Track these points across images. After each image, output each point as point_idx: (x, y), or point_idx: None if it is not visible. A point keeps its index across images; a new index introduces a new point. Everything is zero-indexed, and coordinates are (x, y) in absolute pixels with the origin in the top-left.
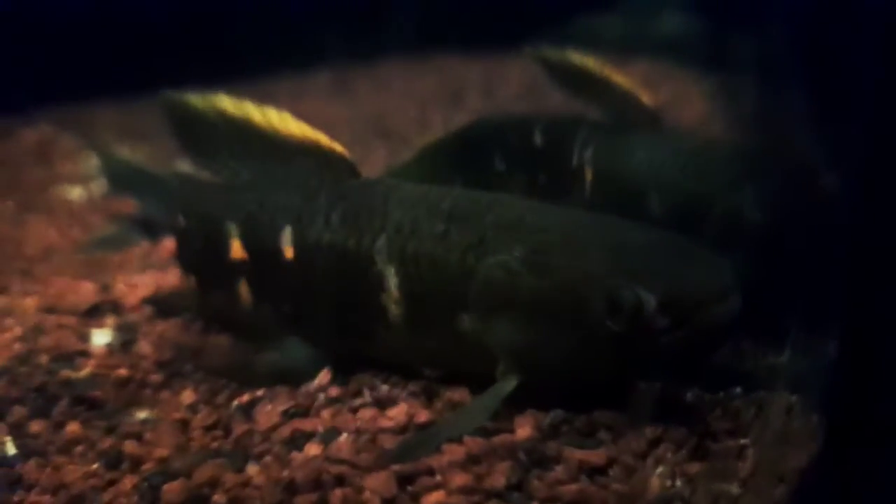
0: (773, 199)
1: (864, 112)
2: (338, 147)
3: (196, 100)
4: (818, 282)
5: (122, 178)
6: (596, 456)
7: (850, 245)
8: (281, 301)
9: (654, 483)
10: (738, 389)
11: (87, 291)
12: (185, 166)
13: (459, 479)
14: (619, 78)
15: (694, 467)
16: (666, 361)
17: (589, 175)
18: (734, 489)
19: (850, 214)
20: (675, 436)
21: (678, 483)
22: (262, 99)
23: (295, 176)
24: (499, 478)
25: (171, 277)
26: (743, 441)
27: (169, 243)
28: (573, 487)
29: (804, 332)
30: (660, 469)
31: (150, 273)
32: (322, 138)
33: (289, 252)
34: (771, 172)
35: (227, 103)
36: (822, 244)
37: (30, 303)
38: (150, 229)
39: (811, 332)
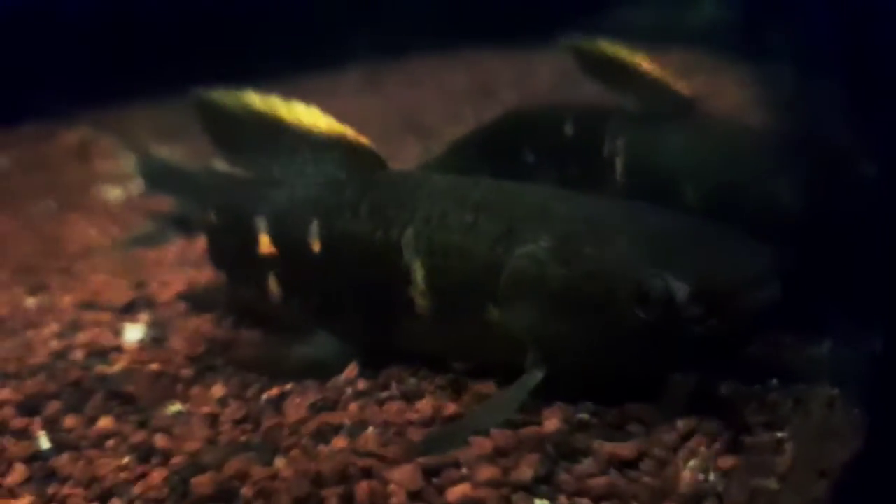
0: (810, 186)
1: None
2: (364, 140)
3: (225, 96)
4: (861, 272)
5: (158, 177)
6: (626, 449)
7: (891, 233)
8: (309, 295)
9: (687, 477)
10: (775, 382)
11: (123, 288)
12: (220, 164)
13: (486, 472)
14: (652, 67)
15: (728, 461)
16: (699, 352)
17: (620, 165)
18: (772, 484)
19: (891, 203)
20: (708, 429)
21: (711, 477)
22: (294, 96)
23: (322, 170)
24: (526, 471)
25: (206, 274)
26: (780, 435)
27: (203, 240)
28: (602, 481)
29: (847, 323)
30: (692, 463)
31: (185, 270)
32: (349, 131)
33: (316, 245)
34: (807, 160)
35: (254, 99)
36: (864, 233)
37: (68, 300)
38: (185, 227)
39: (854, 323)
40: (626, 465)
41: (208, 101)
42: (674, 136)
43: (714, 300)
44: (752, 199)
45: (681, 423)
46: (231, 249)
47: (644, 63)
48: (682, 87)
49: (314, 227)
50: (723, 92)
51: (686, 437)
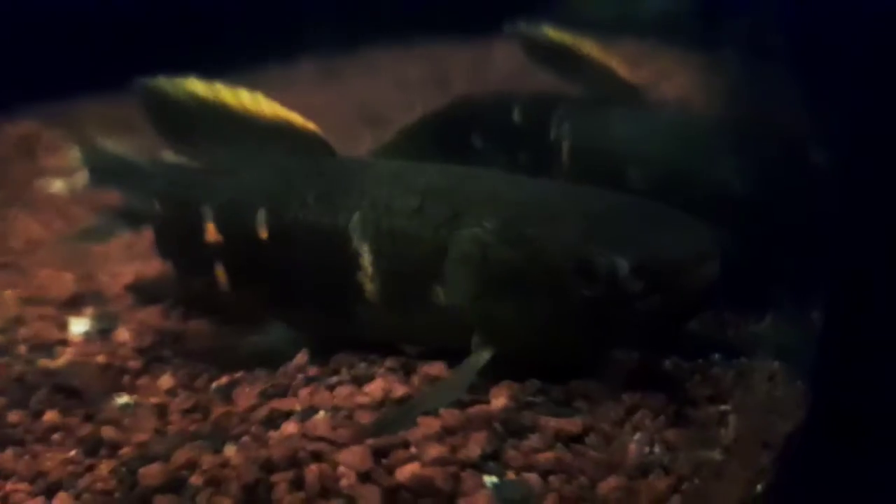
0: (753, 170)
1: (853, 86)
2: (311, 126)
3: (169, 84)
4: (802, 252)
5: (104, 170)
6: (572, 424)
7: (835, 216)
8: (258, 283)
9: (632, 450)
10: (718, 357)
11: (68, 282)
12: (170, 156)
13: (434, 450)
14: (598, 53)
15: (673, 434)
16: (642, 328)
17: (566, 150)
18: (716, 455)
19: (836, 187)
20: (653, 403)
21: (657, 450)
22: (249, 88)
23: (269, 157)
24: (474, 448)
25: (154, 266)
26: (724, 408)
27: (151, 232)
28: (549, 455)
29: (788, 299)
30: (638, 436)
31: (133, 263)
32: (295, 117)
33: (264, 233)
34: (752, 145)
35: (199, 86)
36: (805, 215)
37: (10, 295)
38: (133, 220)
39: (795, 299)
40: (572, 439)
41: (152, 90)
42: (618, 121)
43: (655, 276)
44: (696, 182)
45: (626, 398)
46: (178, 240)
47: (589, 50)
48: (627, 73)
49: (261, 214)
50: (674, 80)
51: (631, 411)
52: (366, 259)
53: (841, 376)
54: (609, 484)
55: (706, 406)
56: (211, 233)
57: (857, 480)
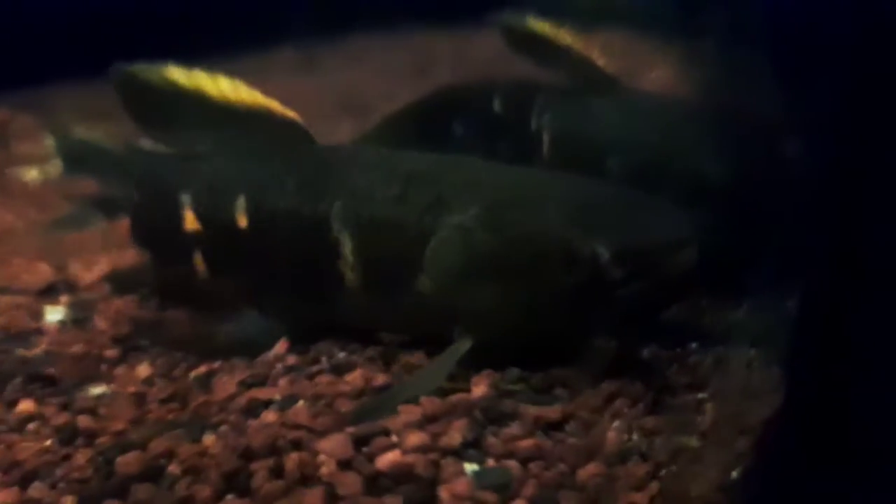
0: (731, 159)
1: (830, 74)
2: (291, 113)
3: (147, 71)
4: (778, 239)
5: (78, 158)
6: (552, 412)
7: (810, 204)
8: (237, 272)
9: (611, 437)
10: (695, 345)
11: (42, 271)
12: (146, 144)
13: (415, 438)
14: (577, 43)
15: (651, 421)
16: (623, 314)
17: (547, 139)
18: (693, 442)
19: (812, 175)
20: (631, 391)
21: (635, 437)
22: (228, 75)
23: (248, 144)
24: (455, 436)
25: (130, 255)
26: (701, 395)
27: (127, 221)
28: (529, 443)
29: (763, 287)
30: (616, 423)
31: (109, 252)
32: (275, 105)
33: (243, 221)
34: (729, 134)
35: (177, 73)
36: (782, 203)
37: None
38: (108, 208)
39: (771, 287)
40: (552, 427)
41: (130, 77)
42: (598, 110)
43: (636, 262)
44: (674, 170)
45: (605, 386)
46: (155, 227)
47: (569, 40)
48: (606, 63)
49: (241, 202)
50: (652, 69)
51: (610, 399)
52: (347, 247)
53: (816, 362)
54: (588, 470)
55: (684, 393)
56: (189, 220)
57: (832, 465)
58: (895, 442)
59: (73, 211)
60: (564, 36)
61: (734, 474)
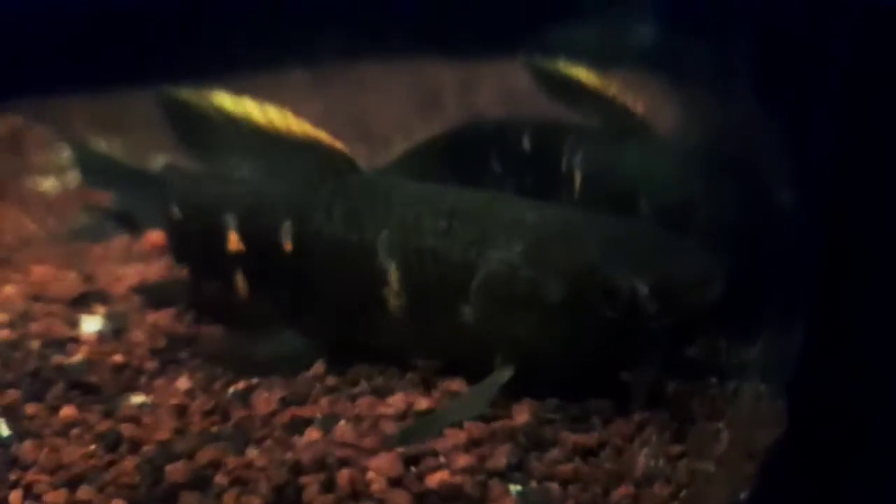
0: (752, 204)
1: (829, 120)
2: (338, 144)
3: (194, 96)
4: (787, 282)
5: (96, 170)
6: (589, 439)
7: (815, 250)
8: (278, 293)
9: (641, 462)
10: (714, 379)
11: (71, 280)
12: (161, 160)
13: (462, 460)
14: (611, 88)
15: (676, 448)
16: (656, 346)
17: (578, 179)
18: (710, 467)
19: (816, 219)
20: (659, 420)
21: (661, 462)
22: (239, 94)
23: (295, 171)
24: (500, 459)
25: (156, 269)
26: (718, 425)
27: (152, 236)
28: (569, 467)
29: (772, 328)
30: (646, 450)
31: (134, 265)
32: (322, 135)
33: (288, 245)
34: (745, 178)
35: (226, 100)
36: (788, 250)
37: (13, 290)
38: (127, 222)
39: (779, 328)
40: (589, 452)
41: (176, 100)
42: (630, 152)
43: (670, 297)
44: (699, 212)
45: (636, 416)
46: (197, 245)
47: (602, 83)
48: (637, 106)
49: (286, 226)
50: (660, 112)
51: (640, 427)
52: (392, 275)
53: (816, 394)
54: (619, 492)
55: (703, 423)
56: (232, 241)
57: (826, 487)
58: (894, 466)
59: (92, 222)
60: (595, 78)
61: (742, 495)
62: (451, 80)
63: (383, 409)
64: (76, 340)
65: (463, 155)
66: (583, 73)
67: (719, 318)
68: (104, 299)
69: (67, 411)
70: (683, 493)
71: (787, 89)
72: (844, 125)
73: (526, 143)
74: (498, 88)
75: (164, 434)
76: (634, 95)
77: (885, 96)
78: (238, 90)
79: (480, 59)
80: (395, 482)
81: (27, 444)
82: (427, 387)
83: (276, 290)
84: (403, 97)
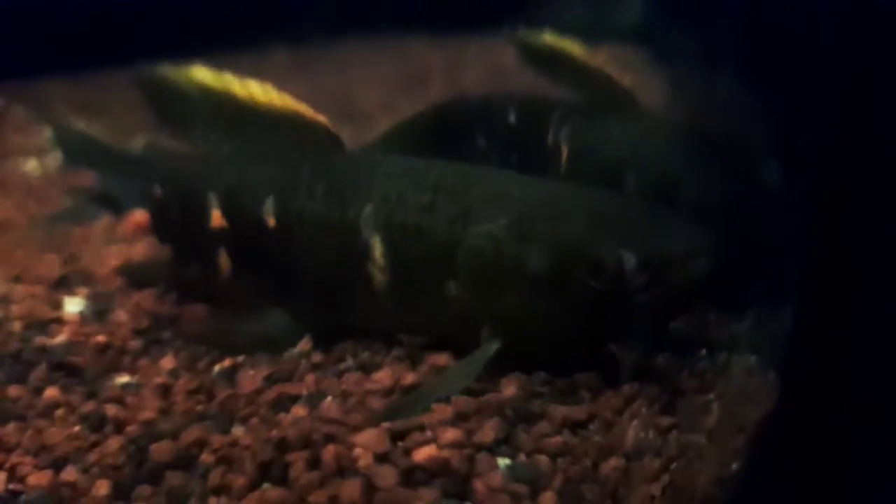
0: (733, 179)
1: (820, 97)
2: (321, 119)
3: (174, 73)
4: (774, 256)
5: (78, 152)
6: (578, 412)
7: (805, 224)
8: (262, 271)
9: (630, 435)
10: (704, 352)
11: (53, 263)
12: (141, 140)
13: (450, 434)
14: (599, 62)
15: (665, 421)
16: (643, 320)
17: (565, 154)
18: (700, 440)
19: (806, 194)
20: (648, 393)
21: (651, 435)
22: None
23: (278, 148)
24: (488, 433)
25: (139, 250)
26: (708, 397)
27: (135, 217)
28: (557, 440)
29: (762, 301)
30: (635, 423)
31: (116, 246)
32: (305, 110)
33: (271, 222)
34: (732, 155)
35: (206, 76)
36: (777, 223)
37: None
38: (111, 203)
39: (768, 301)
40: (578, 426)
41: (155, 78)
42: (616, 127)
43: (658, 270)
44: (685, 189)
45: (625, 389)
46: (179, 224)
47: (590, 57)
48: (625, 81)
49: (269, 203)
50: (646, 89)
51: (629, 400)
52: (377, 251)
53: (806, 367)
54: (609, 465)
55: (693, 396)
56: (215, 219)
57: (816, 460)
58: (880, 441)
59: (74, 204)
60: (583, 52)
61: (732, 468)
62: (437, 58)
63: (370, 386)
64: (59, 322)
65: (448, 131)
66: (569, 46)
67: (709, 291)
68: (87, 280)
69: (51, 393)
70: (673, 465)
71: (778, 68)
72: (836, 102)
73: (511, 119)
74: (484, 66)
75: (148, 414)
76: (621, 70)
77: (878, 77)
78: (223, 69)
79: (466, 37)
80: (381, 458)
81: (11, 427)
82: (413, 362)
83: (260, 268)
84: (388, 75)
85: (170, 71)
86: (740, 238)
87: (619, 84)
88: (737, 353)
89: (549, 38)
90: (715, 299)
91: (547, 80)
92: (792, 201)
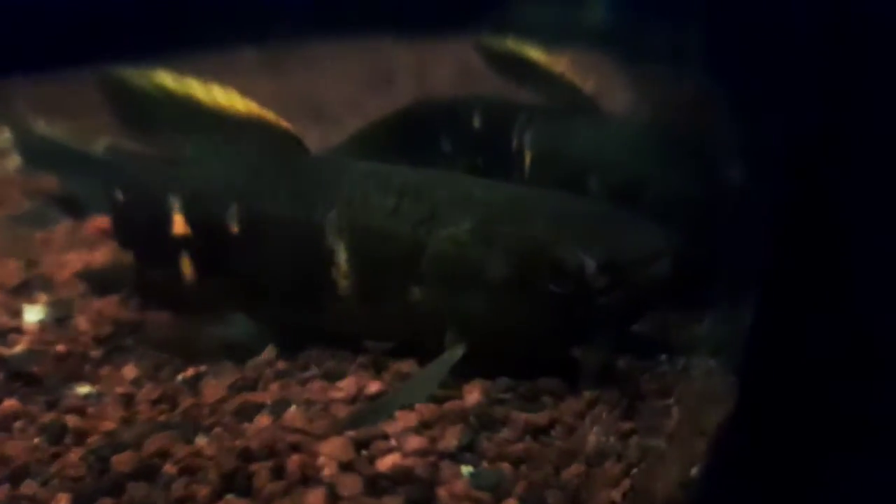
0: (697, 178)
1: (785, 99)
2: (285, 123)
3: (136, 77)
4: (734, 259)
5: (38, 154)
6: (540, 418)
7: (766, 226)
8: (225, 276)
9: (592, 440)
10: (664, 356)
11: (12, 268)
12: (104, 143)
13: (414, 442)
14: (559, 66)
15: (626, 425)
16: (604, 323)
17: (528, 158)
18: (661, 443)
19: (768, 197)
20: (609, 398)
21: (612, 440)
22: (186, 75)
23: (241, 152)
24: (451, 440)
25: (101, 255)
26: (668, 401)
27: (96, 221)
28: (520, 446)
29: (722, 304)
30: (596, 428)
31: (78, 251)
32: (268, 114)
33: (234, 227)
34: (693, 154)
35: (168, 80)
36: (737, 225)
37: None
38: (72, 207)
39: (728, 304)
40: (540, 431)
41: (117, 81)
42: (579, 131)
43: (619, 272)
44: (648, 191)
45: (586, 394)
46: (141, 229)
47: (550, 61)
48: (586, 85)
49: (232, 208)
50: (613, 91)
51: (591, 405)
52: (340, 255)
53: (765, 370)
54: (571, 471)
55: (654, 400)
56: (177, 224)
57: (777, 462)
58: (840, 442)
59: (35, 207)
60: (544, 57)
61: (693, 472)
62: (406, 60)
63: (334, 394)
64: (18, 330)
65: (413, 135)
66: (530, 52)
67: (669, 294)
68: (47, 286)
69: (9, 403)
70: (634, 470)
71: (745, 66)
72: (803, 101)
73: (476, 122)
74: (453, 68)
75: (110, 424)
76: (583, 73)
77: (848, 76)
78: (187, 71)
79: (434, 38)
80: (346, 466)
81: None
82: (378, 369)
83: (223, 273)
84: (356, 77)
85: (132, 74)
86: (703, 239)
87: (579, 88)
88: (697, 356)
89: (511, 42)
90: (676, 301)
91: (512, 83)
92: (755, 202)
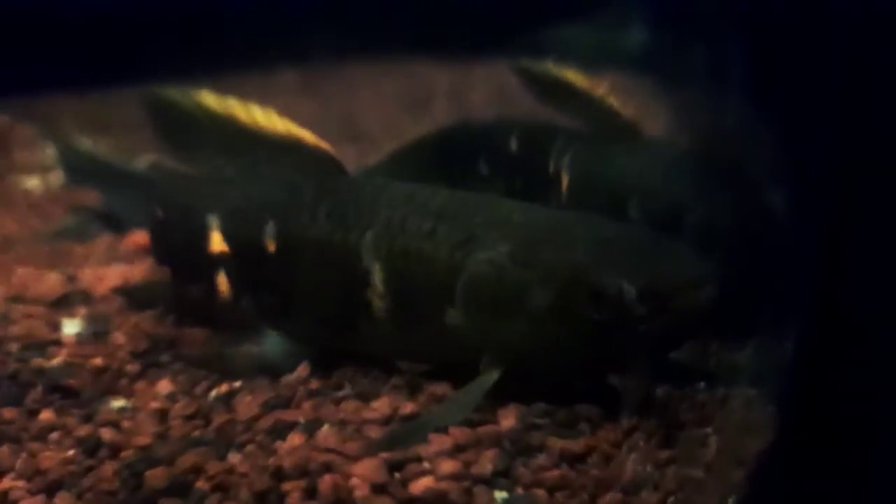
0: (741, 208)
1: (827, 124)
2: (324, 145)
3: (180, 96)
4: (777, 285)
5: (81, 170)
6: (576, 445)
7: (809, 254)
8: (261, 295)
9: (628, 469)
10: (703, 385)
11: (53, 282)
12: (147, 160)
13: (448, 466)
14: (599, 89)
15: (664, 454)
16: (643, 350)
17: (566, 182)
18: (699, 473)
19: (811, 224)
20: (647, 426)
21: (649, 468)
22: (228, 95)
23: (280, 172)
24: (486, 465)
25: (140, 270)
26: (707, 430)
27: (136, 236)
28: (555, 473)
29: (763, 333)
30: (633, 456)
31: (117, 266)
32: (308, 136)
33: (271, 246)
34: (737, 182)
35: (210, 100)
36: (779, 253)
37: None
38: (113, 222)
39: (769, 333)
40: (576, 459)
41: (161, 100)
42: (618, 156)
43: (659, 299)
44: (688, 217)
45: (624, 421)
46: (179, 246)
47: (590, 85)
48: (626, 109)
49: (270, 227)
50: (652, 115)
51: (628, 433)
52: (377, 277)
53: (807, 401)
54: (607, 500)
55: (692, 429)
56: (215, 241)
57: (817, 493)
58: (880, 474)
59: (76, 222)
60: (583, 80)
61: (731, 502)
62: (442, 82)
63: (368, 414)
64: (57, 343)
65: (451, 156)
66: (570, 76)
67: (710, 322)
68: (86, 300)
69: (46, 415)
70: (671, 499)
71: (783, 92)
72: (844, 128)
73: (514, 145)
74: (489, 90)
75: (144, 439)
76: (623, 98)
77: (886, 97)
78: (228, 91)
79: (471, 60)
80: (378, 488)
81: (4, 449)
82: (412, 391)
83: (259, 292)
84: (393, 98)
85: (176, 94)
86: (744, 266)
87: (620, 112)
88: (737, 384)
89: (550, 66)
90: (716, 329)
91: (550, 106)
92: (797, 228)
